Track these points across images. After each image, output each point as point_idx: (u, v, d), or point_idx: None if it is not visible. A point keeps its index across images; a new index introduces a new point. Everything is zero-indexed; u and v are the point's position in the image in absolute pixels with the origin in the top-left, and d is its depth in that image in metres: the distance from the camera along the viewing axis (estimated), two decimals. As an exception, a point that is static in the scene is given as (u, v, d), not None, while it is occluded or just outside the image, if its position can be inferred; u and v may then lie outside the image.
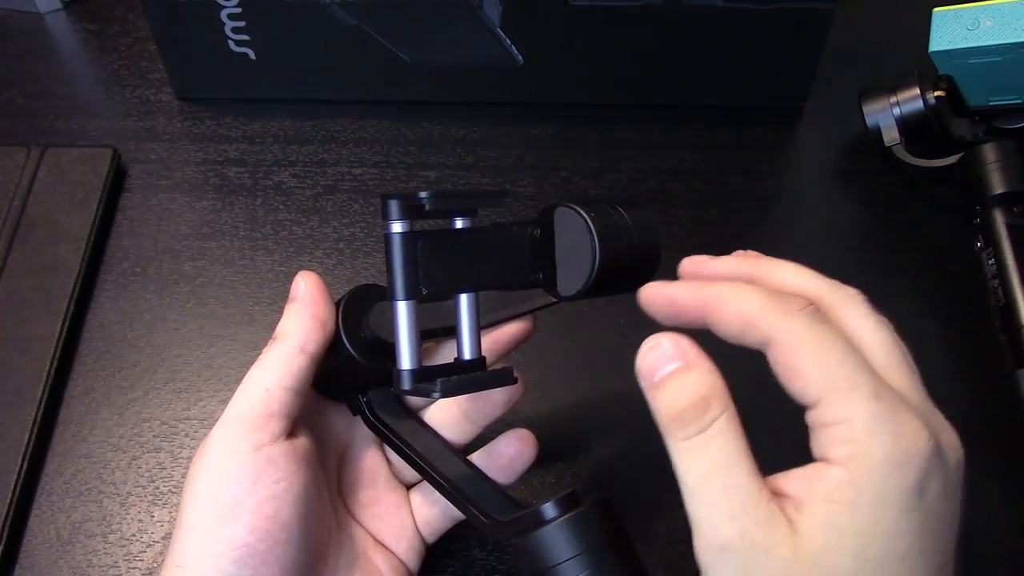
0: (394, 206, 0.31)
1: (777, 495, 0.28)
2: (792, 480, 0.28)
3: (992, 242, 0.48)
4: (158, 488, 0.44)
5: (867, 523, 0.27)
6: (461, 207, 0.33)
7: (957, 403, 0.47)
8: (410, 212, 0.31)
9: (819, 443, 0.28)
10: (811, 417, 0.28)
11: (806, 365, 0.28)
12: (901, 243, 0.53)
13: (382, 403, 0.39)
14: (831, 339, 0.28)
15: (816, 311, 0.29)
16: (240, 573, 0.32)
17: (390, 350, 0.35)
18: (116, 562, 0.42)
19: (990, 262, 0.48)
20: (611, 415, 0.46)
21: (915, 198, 0.55)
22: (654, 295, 0.31)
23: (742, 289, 0.30)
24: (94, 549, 0.43)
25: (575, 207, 0.33)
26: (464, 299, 0.33)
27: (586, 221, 0.33)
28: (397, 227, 0.31)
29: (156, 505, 0.44)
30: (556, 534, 0.31)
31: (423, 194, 0.30)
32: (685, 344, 0.29)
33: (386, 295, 0.36)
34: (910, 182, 0.55)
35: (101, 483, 0.44)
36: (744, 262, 0.33)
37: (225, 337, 0.49)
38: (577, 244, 0.33)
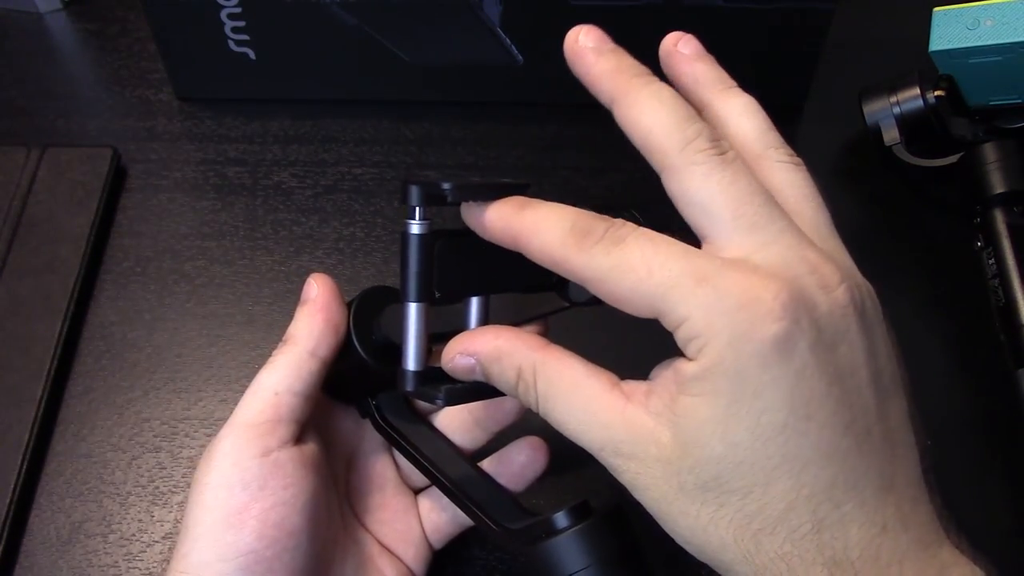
0: (415, 192, 0.29)
1: (648, 394, 0.28)
2: (658, 381, 0.28)
3: (992, 242, 0.48)
4: (158, 488, 0.44)
5: (728, 407, 0.26)
6: (484, 199, 0.31)
7: (957, 403, 0.47)
8: (430, 200, 0.30)
9: (677, 346, 0.27)
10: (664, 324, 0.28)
11: (622, 290, 0.27)
12: (901, 243, 0.53)
13: (392, 407, 0.38)
14: (646, 253, 0.27)
15: (619, 228, 0.28)
16: None
17: (398, 355, 0.35)
18: (116, 562, 0.42)
19: (990, 262, 0.48)
20: None
21: (915, 198, 0.55)
22: (469, 217, 0.31)
23: (549, 218, 0.29)
24: (94, 549, 0.43)
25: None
26: (475, 302, 0.33)
27: None
28: (416, 228, 0.30)
29: (156, 505, 0.44)
30: (567, 544, 0.31)
31: (446, 186, 0.29)
32: (467, 343, 0.31)
33: (398, 298, 0.36)
34: (910, 182, 0.55)
35: (101, 483, 0.44)
36: (698, 90, 0.33)
37: (225, 337, 0.49)
38: None
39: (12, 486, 0.43)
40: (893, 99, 0.52)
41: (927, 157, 0.52)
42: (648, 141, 0.29)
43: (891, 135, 0.52)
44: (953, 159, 0.51)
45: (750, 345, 0.25)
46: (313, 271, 0.51)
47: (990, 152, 0.49)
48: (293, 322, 0.36)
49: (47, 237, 0.51)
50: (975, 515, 0.43)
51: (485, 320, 0.33)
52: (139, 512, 0.44)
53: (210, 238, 0.53)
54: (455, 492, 0.36)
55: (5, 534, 0.42)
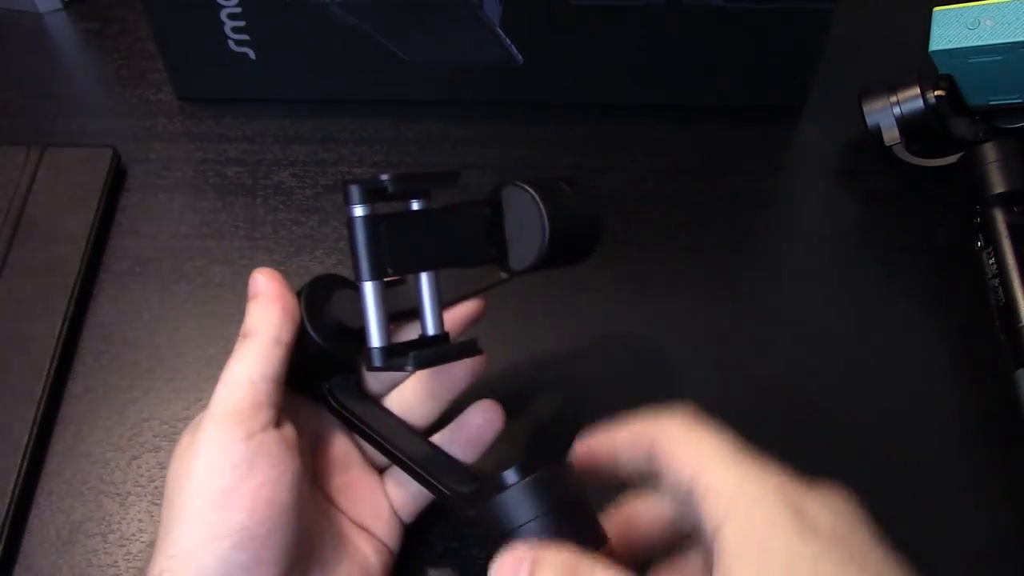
0: (355, 191, 0.32)
1: None
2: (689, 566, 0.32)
3: (992, 241, 0.48)
4: (158, 488, 0.44)
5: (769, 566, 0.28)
6: (419, 188, 0.34)
7: (957, 403, 0.47)
8: (371, 196, 0.33)
9: (701, 520, 0.30)
10: (692, 502, 0.30)
11: (681, 447, 0.31)
12: (901, 243, 0.53)
13: (344, 390, 0.39)
14: (704, 429, 0.32)
15: (689, 410, 0.32)
16: (240, 557, 0.32)
17: (353, 336, 0.37)
18: (116, 562, 0.42)
19: (990, 261, 0.48)
20: (596, 388, 0.46)
21: (915, 198, 0.55)
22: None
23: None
24: (94, 549, 0.43)
25: (523, 185, 0.35)
26: (425, 278, 0.35)
27: (535, 198, 0.35)
28: (359, 211, 0.32)
29: (156, 505, 0.44)
30: (515, 497, 0.32)
31: (384, 177, 0.32)
32: (521, 553, 0.31)
33: (343, 284, 0.38)
34: (910, 182, 0.55)
35: (101, 483, 0.44)
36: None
37: (225, 337, 0.49)
38: (527, 220, 0.35)
39: (12, 486, 0.43)
40: (893, 99, 0.52)
41: (927, 157, 0.52)
42: None
43: (891, 135, 0.52)
44: (953, 159, 0.51)
45: (782, 513, 0.29)
46: (313, 271, 0.52)
47: (990, 152, 0.49)
48: (248, 317, 0.37)
49: (47, 237, 0.51)
50: (975, 515, 0.43)
51: (437, 294, 0.35)
52: (139, 512, 0.44)
53: (210, 238, 0.53)
54: (409, 464, 0.37)
55: (5, 534, 0.42)
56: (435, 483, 0.36)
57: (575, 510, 0.33)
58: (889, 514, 0.43)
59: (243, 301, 0.50)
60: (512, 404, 0.46)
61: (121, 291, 0.51)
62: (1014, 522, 0.43)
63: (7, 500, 0.42)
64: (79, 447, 0.45)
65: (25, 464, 0.44)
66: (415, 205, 0.35)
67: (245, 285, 0.51)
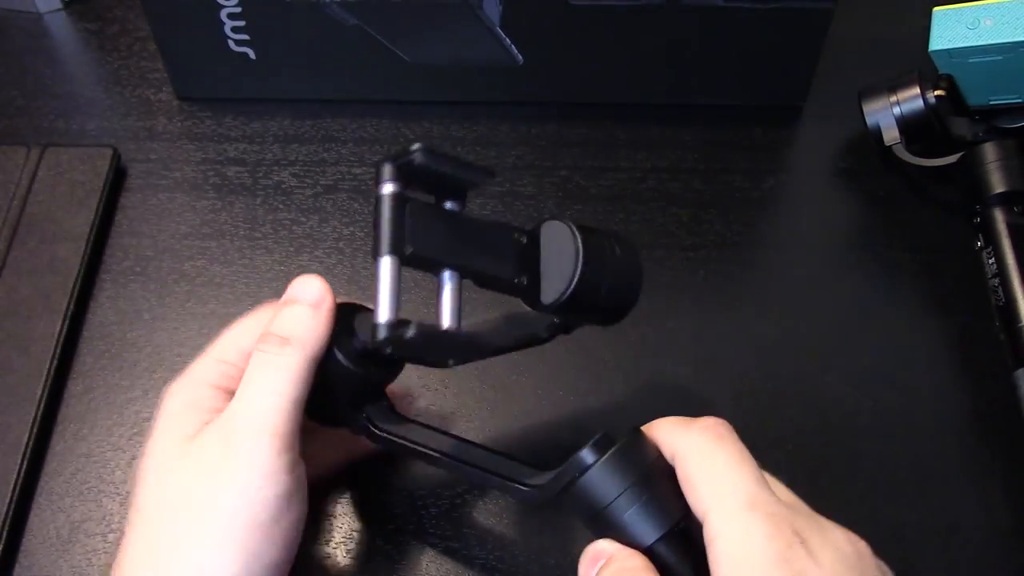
0: (386, 169, 0.32)
1: None
2: None
3: (992, 241, 0.48)
4: (158, 488, 0.44)
5: None
6: (449, 170, 0.33)
7: (957, 403, 0.47)
8: (402, 176, 0.32)
9: (711, 558, 0.30)
10: (703, 533, 0.30)
11: (698, 477, 0.31)
12: (901, 242, 0.53)
13: (381, 417, 0.38)
14: (725, 452, 0.31)
15: (719, 427, 0.32)
16: None
17: (380, 360, 0.36)
18: (116, 562, 0.42)
19: (990, 261, 0.48)
20: (595, 387, 0.47)
21: (915, 197, 0.55)
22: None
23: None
24: (94, 548, 0.43)
25: (564, 220, 0.35)
26: (447, 274, 0.33)
27: (572, 230, 0.34)
28: (388, 188, 0.32)
29: (156, 505, 0.44)
30: (600, 475, 0.32)
31: (415, 146, 0.31)
32: (603, 550, 0.32)
33: (361, 309, 0.37)
34: (910, 181, 0.55)
35: (101, 482, 0.44)
36: None
37: (225, 337, 0.49)
38: (561, 254, 0.34)
39: (12, 486, 0.43)
40: (893, 99, 0.52)
41: (927, 156, 0.52)
42: None
43: (891, 135, 0.52)
44: (953, 159, 0.51)
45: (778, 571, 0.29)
46: (313, 271, 0.51)
47: (990, 152, 0.49)
48: (293, 321, 0.34)
49: (47, 237, 0.51)
50: (975, 515, 0.43)
51: (458, 294, 0.33)
52: (139, 512, 0.44)
53: (210, 238, 0.53)
54: (478, 471, 0.36)
55: (5, 534, 0.42)
56: (510, 483, 0.35)
57: (657, 476, 0.32)
58: (889, 513, 0.43)
59: (243, 301, 0.50)
60: (510, 403, 0.46)
61: (121, 291, 0.51)
62: (1014, 522, 0.43)
63: (7, 500, 0.42)
64: (79, 447, 0.45)
65: (25, 464, 0.44)
66: (448, 207, 0.34)
67: (245, 285, 0.51)
